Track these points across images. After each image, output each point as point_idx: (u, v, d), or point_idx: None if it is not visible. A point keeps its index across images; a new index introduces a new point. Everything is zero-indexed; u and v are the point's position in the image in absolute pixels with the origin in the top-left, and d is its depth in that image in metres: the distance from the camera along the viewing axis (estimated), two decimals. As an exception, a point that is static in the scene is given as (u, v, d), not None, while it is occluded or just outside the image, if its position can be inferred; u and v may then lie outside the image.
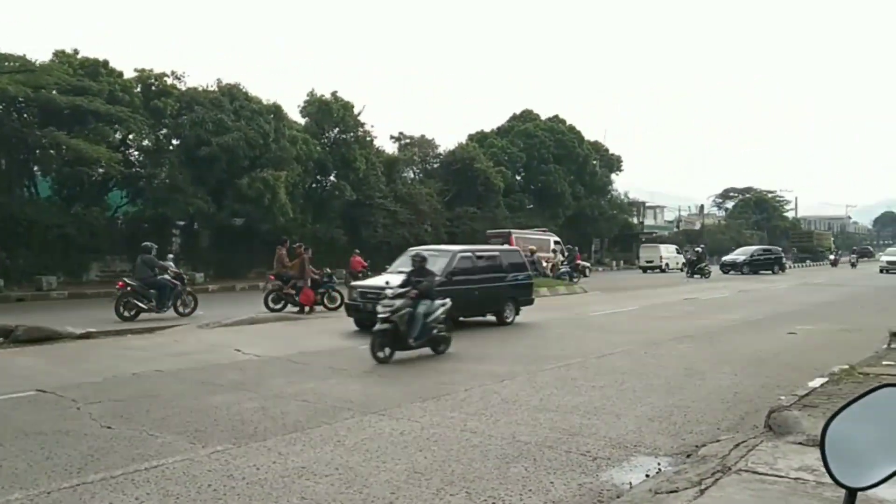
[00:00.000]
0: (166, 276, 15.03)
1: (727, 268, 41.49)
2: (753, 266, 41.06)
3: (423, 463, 5.30)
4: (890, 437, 1.82)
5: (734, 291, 25.27)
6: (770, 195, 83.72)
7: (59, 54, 24.90)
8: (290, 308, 16.54)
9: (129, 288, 14.71)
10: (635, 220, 61.26)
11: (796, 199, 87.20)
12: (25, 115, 23.91)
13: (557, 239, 34.81)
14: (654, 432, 6.31)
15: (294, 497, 4.58)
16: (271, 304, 16.47)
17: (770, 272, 40.75)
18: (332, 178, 33.49)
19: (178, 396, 7.55)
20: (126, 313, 14.55)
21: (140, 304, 14.67)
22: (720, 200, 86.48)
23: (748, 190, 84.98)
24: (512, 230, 32.80)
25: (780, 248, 48.78)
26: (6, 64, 21.71)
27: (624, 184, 62.59)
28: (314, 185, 33.56)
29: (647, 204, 69.63)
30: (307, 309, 16.28)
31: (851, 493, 1.81)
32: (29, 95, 21.18)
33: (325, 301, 16.98)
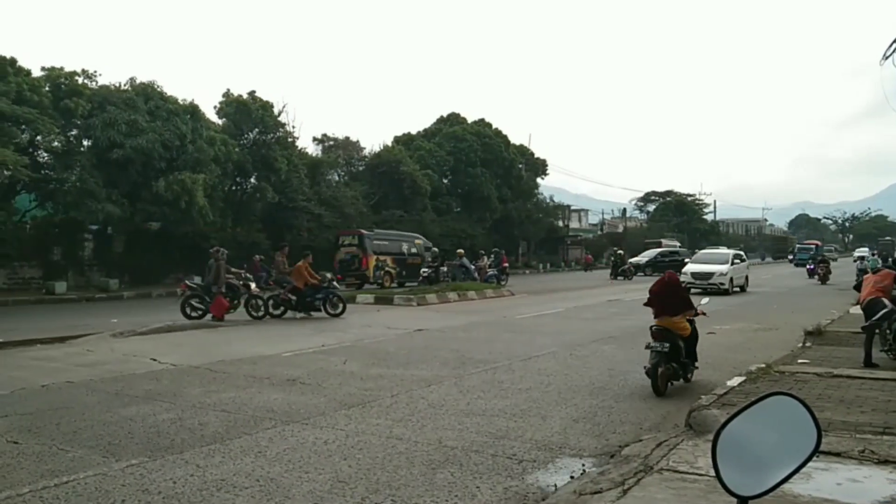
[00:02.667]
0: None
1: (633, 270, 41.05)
2: (657, 268, 40.02)
3: (347, 471, 5.20)
4: (779, 444, 1.86)
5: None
6: (689, 198, 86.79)
7: (-40, 51, 23.39)
8: (290, 314, 16.67)
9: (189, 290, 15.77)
10: (561, 224, 62.58)
11: (714, 202, 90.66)
12: (-77, 116, 22.33)
13: (429, 245, 31.82)
14: (578, 433, 6.40)
15: (212, 512, 4.41)
16: (188, 311, 15.86)
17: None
18: (252, 180, 32.70)
19: (90, 409, 7.18)
20: (192, 314, 15.60)
21: (201, 306, 15.63)
22: (642, 204, 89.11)
23: (669, 193, 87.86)
24: (364, 231, 29.08)
25: (685, 250, 50.30)
26: None
27: (549, 187, 63.60)
28: (234, 188, 32.71)
29: (571, 207, 71.31)
30: (212, 317, 15.65)
31: (742, 502, 1.83)
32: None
33: (327, 307, 16.74)
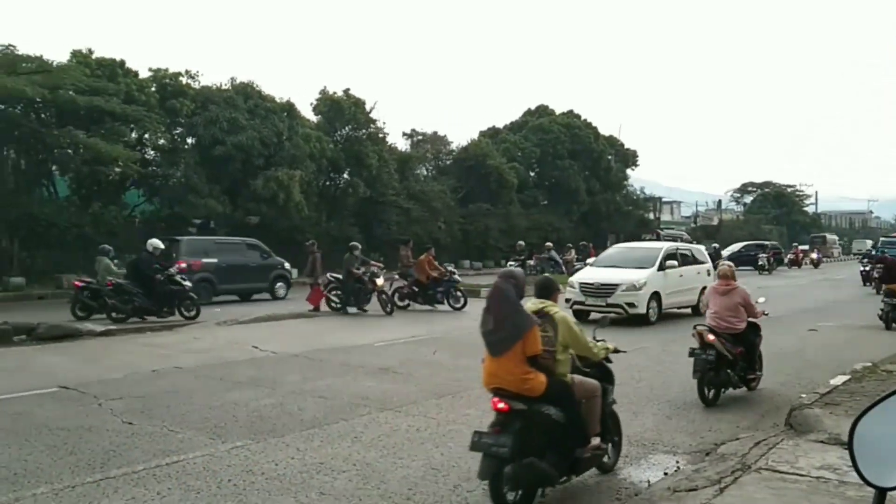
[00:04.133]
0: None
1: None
2: (740, 262, 35.87)
3: (439, 459, 5.32)
4: None
5: (752, 288, 24.98)
6: (789, 189, 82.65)
7: (76, 54, 25.09)
8: (414, 305, 16.96)
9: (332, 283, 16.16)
10: (651, 216, 60.88)
11: (816, 193, 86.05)
12: (43, 116, 24.10)
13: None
14: (672, 430, 6.29)
15: (313, 492, 4.62)
16: (331, 305, 16.24)
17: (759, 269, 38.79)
18: (345, 175, 33.52)
19: (197, 393, 7.62)
20: (335, 305, 16.04)
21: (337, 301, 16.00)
22: (738, 195, 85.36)
23: (767, 184, 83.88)
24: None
25: (776, 244, 47.46)
26: (24, 65, 21.88)
27: (640, 179, 61.84)
28: (327, 183, 33.63)
29: (663, 199, 69.06)
30: (311, 308, 16.12)
31: (882, 493, 1.79)
32: (46, 96, 21.35)
33: (450, 301, 16.88)
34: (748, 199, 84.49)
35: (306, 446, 5.64)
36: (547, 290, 4.83)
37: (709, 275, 15.94)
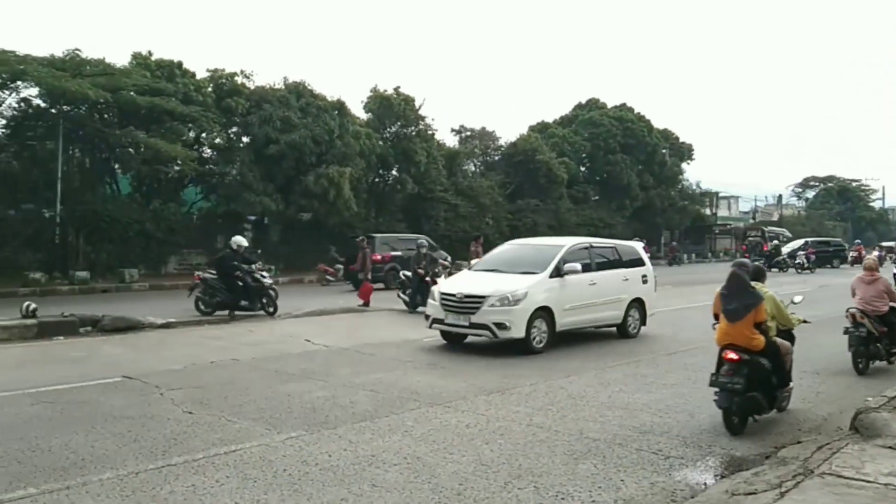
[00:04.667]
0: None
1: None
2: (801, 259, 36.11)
3: (489, 455, 5.31)
4: None
5: (815, 286, 24.26)
6: (854, 184, 79.62)
7: (136, 56, 25.92)
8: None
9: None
10: (708, 212, 59.43)
11: (883, 187, 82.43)
12: (106, 116, 24.99)
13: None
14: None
15: (365, 484, 4.67)
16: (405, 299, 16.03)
17: (829, 266, 37.61)
18: (393, 172, 33.77)
19: (253, 384, 7.79)
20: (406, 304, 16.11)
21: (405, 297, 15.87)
22: (800, 190, 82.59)
23: (830, 178, 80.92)
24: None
25: (839, 241, 45.80)
26: (87, 68, 22.72)
27: (696, 174, 60.55)
28: (376, 180, 33.93)
29: (720, 194, 67.12)
30: (361, 303, 16.22)
31: None
32: (108, 98, 22.10)
33: None
34: (810, 193, 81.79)
35: (358, 439, 5.71)
36: (760, 275, 6.91)
37: (645, 282, 12.42)
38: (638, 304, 12.12)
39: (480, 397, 7.27)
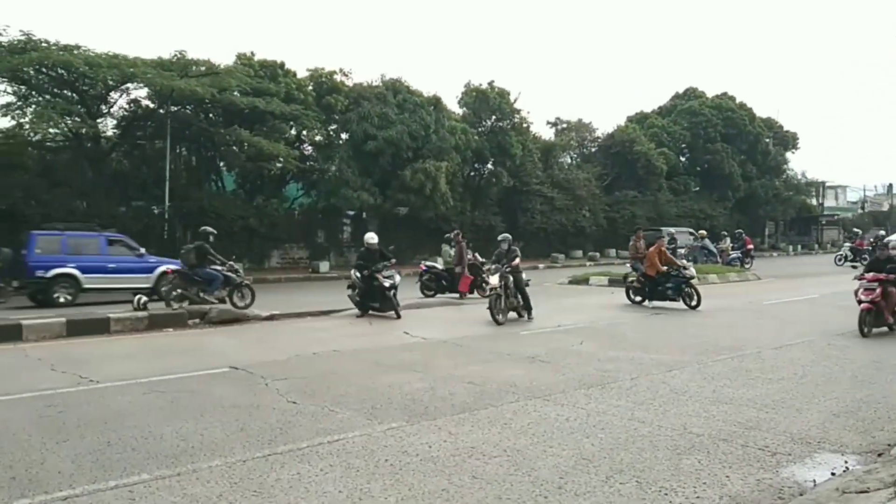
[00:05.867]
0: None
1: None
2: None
3: (590, 449, 5.29)
4: None
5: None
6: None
7: (240, 57, 27.12)
8: (657, 303, 14.96)
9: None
10: (814, 202, 56.28)
11: None
12: (211, 116, 26.32)
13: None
14: (839, 428, 5.86)
15: (465, 476, 4.75)
16: (425, 291, 17.06)
17: None
18: (489, 165, 33.87)
19: (354, 375, 8.04)
20: (428, 292, 17.18)
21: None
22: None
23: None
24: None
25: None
26: (194, 68, 23.93)
27: (801, 163, 57.39)
28: (472, 174, 34.12)
29: (827, 184, 63.37)
30: (461, 295, 16.46)
31: None
32: (214, 97, 23.19)
33: (685, 298, 14.81)
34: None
35: (458, 430, 5.80)
36: None
37: None
38: None
39: (580, 391, 7.22)
